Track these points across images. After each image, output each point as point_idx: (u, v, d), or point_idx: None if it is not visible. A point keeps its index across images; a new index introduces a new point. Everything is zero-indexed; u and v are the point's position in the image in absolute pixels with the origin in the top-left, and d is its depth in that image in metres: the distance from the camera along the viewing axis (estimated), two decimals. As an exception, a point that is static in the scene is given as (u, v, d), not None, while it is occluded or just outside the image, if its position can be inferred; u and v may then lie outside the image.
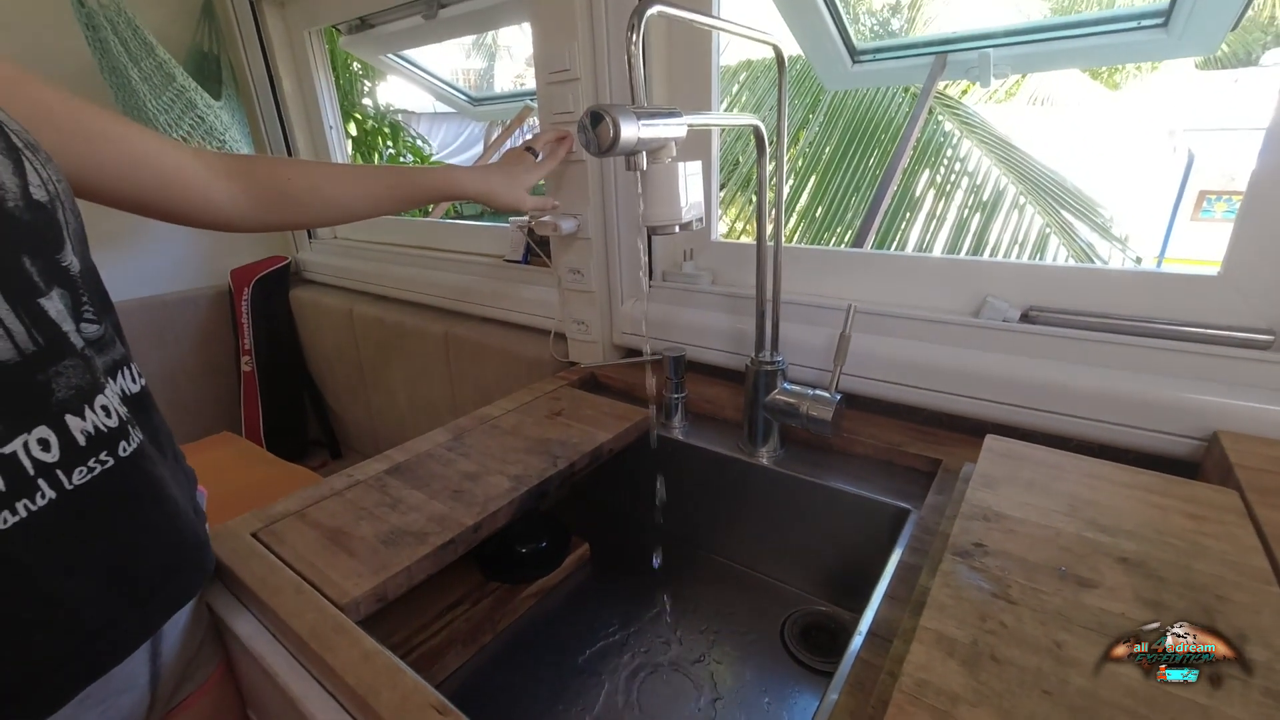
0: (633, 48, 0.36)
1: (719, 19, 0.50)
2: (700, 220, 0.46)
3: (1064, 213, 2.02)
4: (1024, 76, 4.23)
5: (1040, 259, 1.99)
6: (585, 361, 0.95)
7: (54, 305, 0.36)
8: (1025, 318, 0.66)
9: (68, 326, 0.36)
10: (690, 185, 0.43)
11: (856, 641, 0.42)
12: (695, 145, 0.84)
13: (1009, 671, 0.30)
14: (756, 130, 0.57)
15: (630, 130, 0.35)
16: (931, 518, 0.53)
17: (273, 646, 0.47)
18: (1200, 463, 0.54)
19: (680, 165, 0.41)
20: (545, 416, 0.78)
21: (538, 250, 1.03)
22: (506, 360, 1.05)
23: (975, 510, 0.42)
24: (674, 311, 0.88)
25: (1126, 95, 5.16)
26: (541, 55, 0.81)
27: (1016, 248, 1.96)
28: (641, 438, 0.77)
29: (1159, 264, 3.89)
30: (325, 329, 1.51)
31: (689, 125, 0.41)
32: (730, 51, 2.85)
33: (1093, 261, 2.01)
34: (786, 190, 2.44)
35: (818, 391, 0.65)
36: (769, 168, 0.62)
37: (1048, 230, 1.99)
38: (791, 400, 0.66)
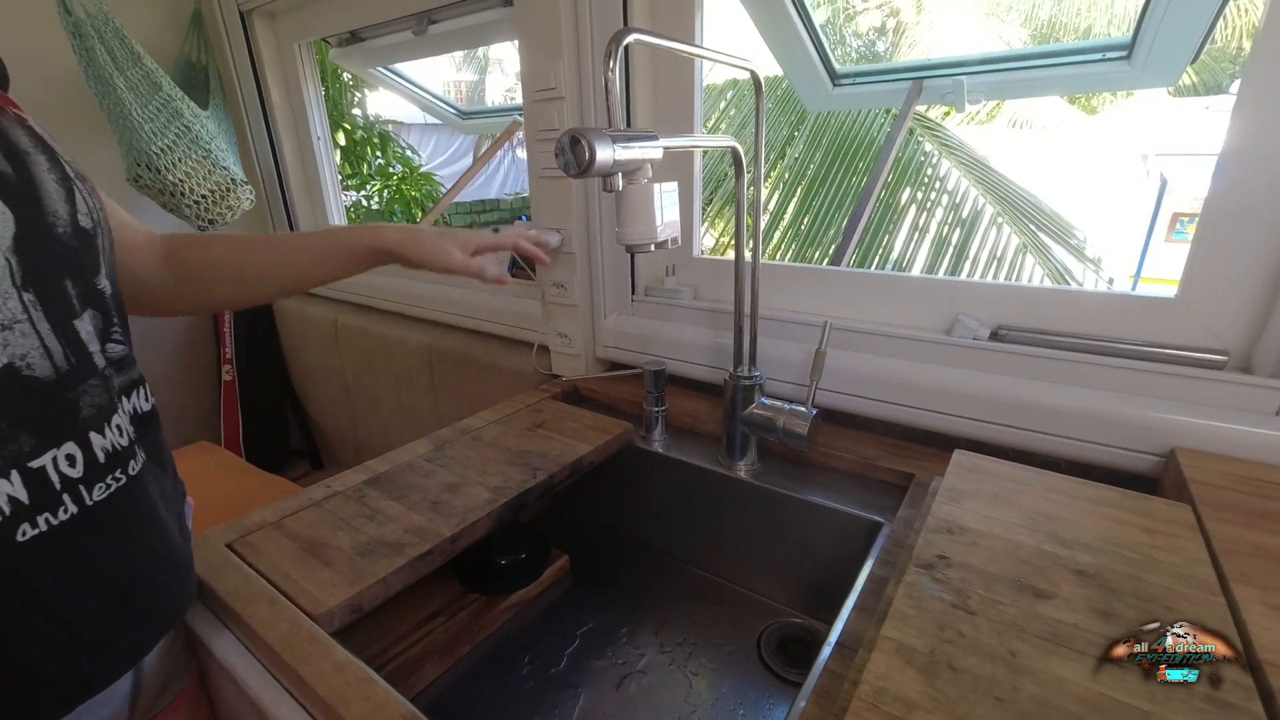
0: (610, 74, 0.38)
1: (698, 47, 0.52)
2: (676, 239, 0.47)
3: (1040, 234, 2.07)
4: (1002, 101, 4.35)
5: (1017, 277, 2.04)
6: (567, 374, 0.96)
7: (85, 326, 0.37)
8: (995, 336, 0.68)
9: (94, 347, 0.38)
10: (666, 205, 0.44)
11: (825, 652, 0.42)
12: (677, 165, 0.85)
13: (964, 679, 0.31)
14: (734, 152, 0.59)
15: (606, 153, 0.36)
16: (902, 531, 0.55)
17: (245, 658, 0.47)
18: (1159, 478, 0.56)
19: (656, 186, 0.43)
20: (526, 428, 0.78)
21: (522, 264, 1.04)
22: (490, 372, 1.06)
23: (940, 523, 0.44)
24: (656, 326, 0.89)
25: (1103, 120, 5.31)
26: (528, 73, 0.83)
27: (995, 263, 2.01)
28: (622, 450, 0.78)
29: (1135, 284, 3.99)
30: (309, 339, 1.50)
31: (665, 148, 0.43)
32: (718, 70, 2.90)
33: (1068, 282, 2.06)
34: (771, 206, 2.47)
35: (794, 406, 0.66)
36: (747, 187, 0.64)
37: (1024, 249, 2.04)
38: (768, 414, 0.67)
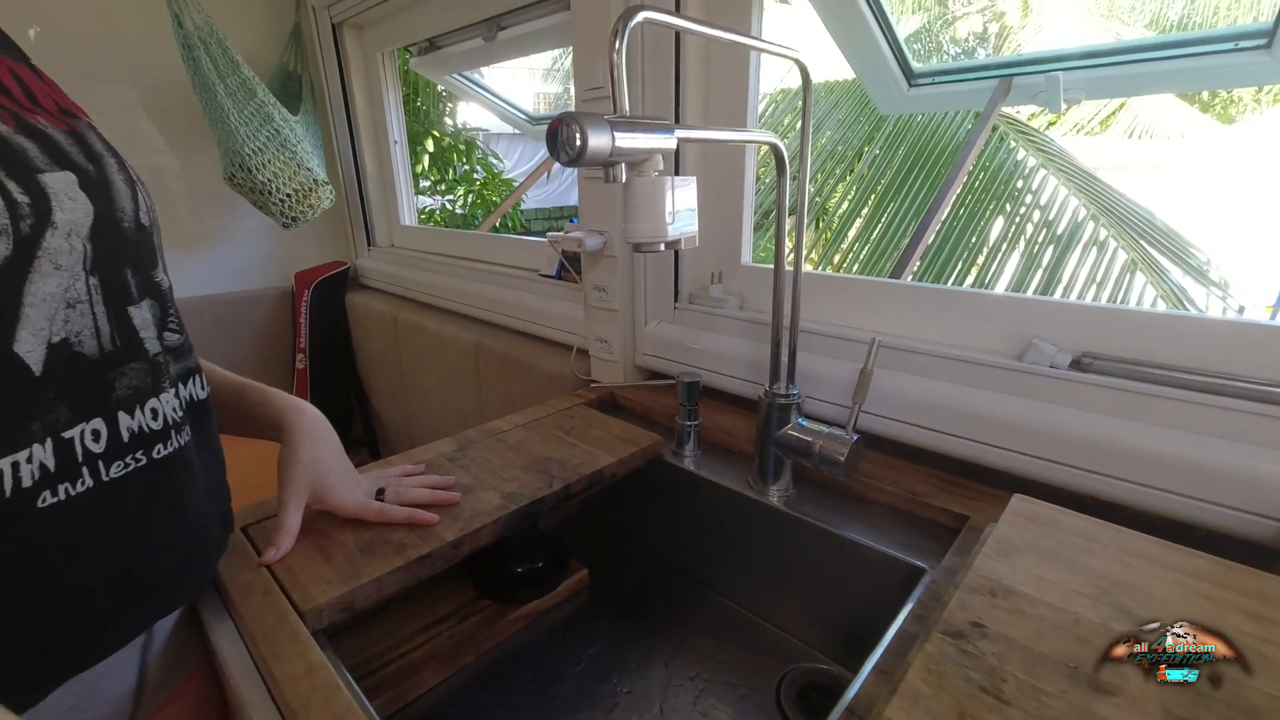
0: (615, 55, 0.34)
1: (733, 33, 0.48)
2: (693, 239, 0.43)
3: (1154, 252, 1.83)
4: (1122, 106, 3.95)
5: (1124, 303, 1.82)
6: (605, 380, 0.93)
7: (140, 314, 0.40)
8: (1077, 364, 0.59)
9: (147, 333, 0.41)
10: (679, 201, 0.40)
11: (833, 719, 0.37)
12: (728, 165, 0.81)
13: (982, 788, 0.25)
14: (775, 149, 0.54)
15: (601, 140, 0.33)
16: (945, 581, 0.47)
17: (236, 646, 0.46)
18: (1283, 549, 0.46)
19: (666, 179, 0.39)
20: (553, 434, 0.76)
21: (569, 267, 1.03)
22: (531, 374, 1.05)
23: (981, 582, 0.37)
24: (697, 335, 0.85)
25: (1243, 130, 4.72)
26: (578, 73, 0.82)
27: (1094, 287, 1.79)
28: (650, 464, 0.74)
29: (1274, 315, 3.48)
30: (374, 333, 1.56)
31: (680, 139, 0.39)
32: (794, 75, 2.81)
33: (1185, 307, 1.81)
34: (840, 214, 2.35)
35: (834, 429, 0.60)
36: (792, 190, 0.59)
37: (1133, 268, 1.81)
38: (805, 437, 0.61)
